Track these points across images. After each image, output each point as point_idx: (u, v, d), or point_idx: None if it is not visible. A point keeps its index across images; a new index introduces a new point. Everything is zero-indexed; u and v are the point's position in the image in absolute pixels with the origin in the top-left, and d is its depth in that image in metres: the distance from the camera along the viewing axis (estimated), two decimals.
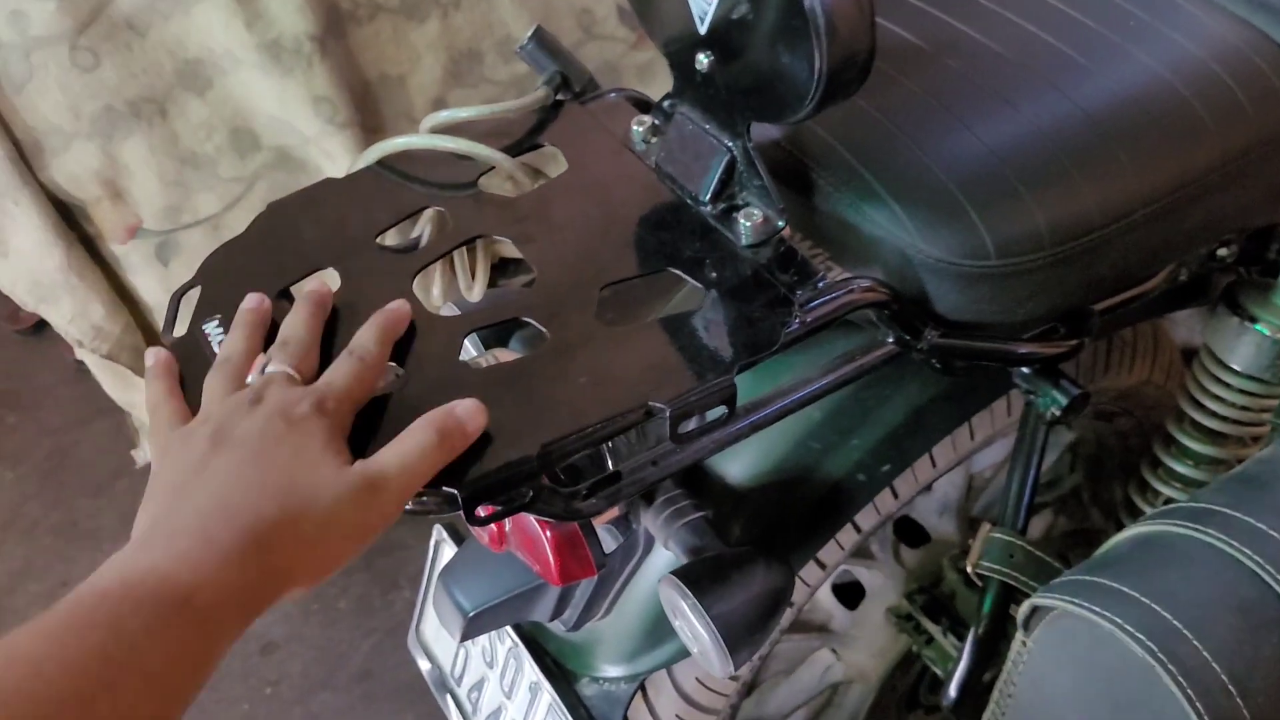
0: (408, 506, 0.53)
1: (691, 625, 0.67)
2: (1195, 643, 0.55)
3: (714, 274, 0.63)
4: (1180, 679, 0.54)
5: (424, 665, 0.97)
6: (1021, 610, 0.62)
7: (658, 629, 0.78)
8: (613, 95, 0.77)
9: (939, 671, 0.99)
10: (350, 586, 1.63)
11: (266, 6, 1.15)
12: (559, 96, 0.77)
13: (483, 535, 0.74)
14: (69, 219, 1.21)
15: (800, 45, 0.55)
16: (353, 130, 1.22)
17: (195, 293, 0.65)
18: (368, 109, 1.26)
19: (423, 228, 0.74)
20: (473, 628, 0.77)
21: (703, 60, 0.63)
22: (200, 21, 1.15)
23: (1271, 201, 0.79)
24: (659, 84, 1.22)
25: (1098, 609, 0.57)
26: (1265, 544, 0.59)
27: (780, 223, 0.64)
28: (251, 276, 0.64)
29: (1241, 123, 0.72)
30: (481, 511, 0.54)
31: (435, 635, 0.97)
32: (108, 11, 1.12)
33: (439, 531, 0.94)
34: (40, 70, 1.11)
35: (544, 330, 0.60)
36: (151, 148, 1.19)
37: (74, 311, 1.25)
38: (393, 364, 0.59)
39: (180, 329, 0.63)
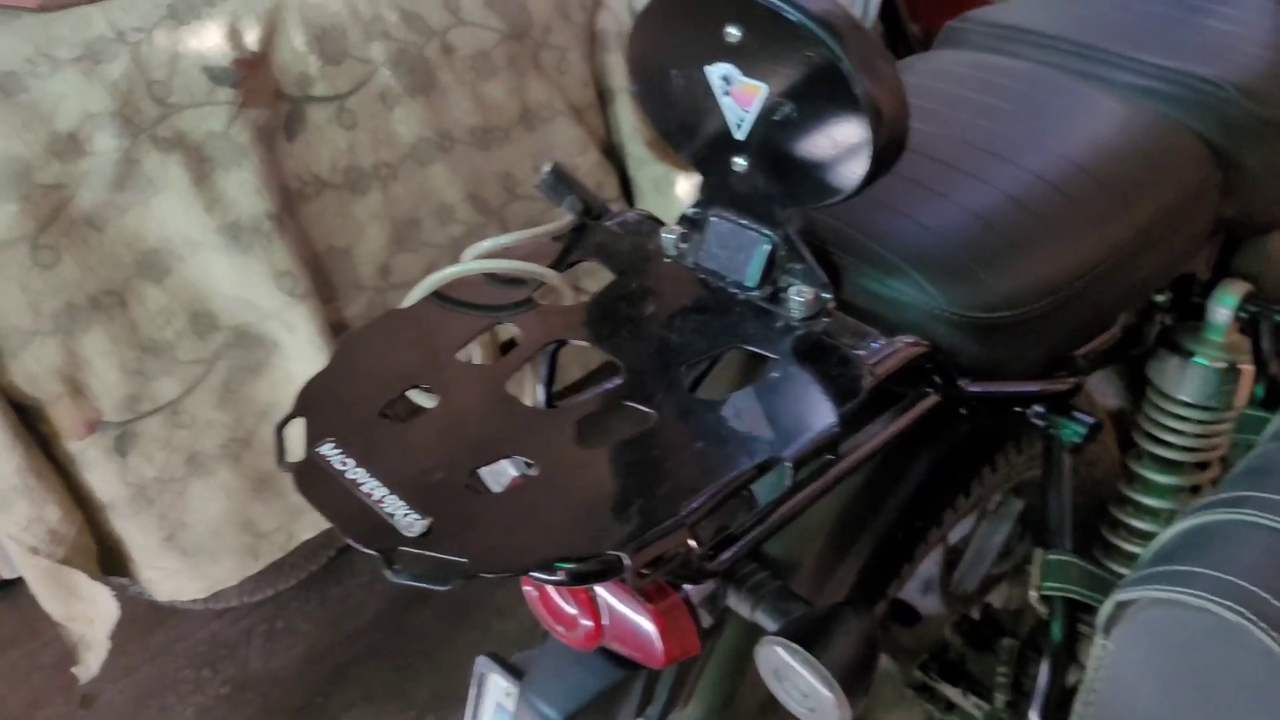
0: (559, 575, 0.56)
1: (802, 681, 0.70)
2: (1276, 602, 0.63)
3: (781, 345, 0.70)
4: (1274, 633, 0.61)
5: None
6: (1103, 611, 0.68)
7: (746, 704, 0.80)
8: (630, 214, 0.85)
9: None
10: None
11: (224, 191, 1.19)
12: (581, 221, 0.84)
13: (575, 634, 0.76)
14: (25, 420, 1.19)
15: (848, 134, 0.65)
16: (312, 301, 1.26)
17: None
18: (319, 280, 1.30)
19: (470, 352, 0.78)
20: None
21: (739, 163, 0.72)
22: (160, 212, 1.17)
23: (1190, 252, 0.92)
24: None
25: (1182, 589, 0.64)
26: None
27: (828, 295, 0.72)
28: (351, 398, 0.67)
29: (1153, 193, 0.85)
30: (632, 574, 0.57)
31: None
32: (68, 210, 1.13)
33: (483, 663, 0.94)
34: (0, 272, 1.11)
35: (647, 411, 0.65)
36: (112, 338, 1.18)
37: (29, 516, 1.20)
38: (523, 458, 0.63)
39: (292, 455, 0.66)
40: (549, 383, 0.78)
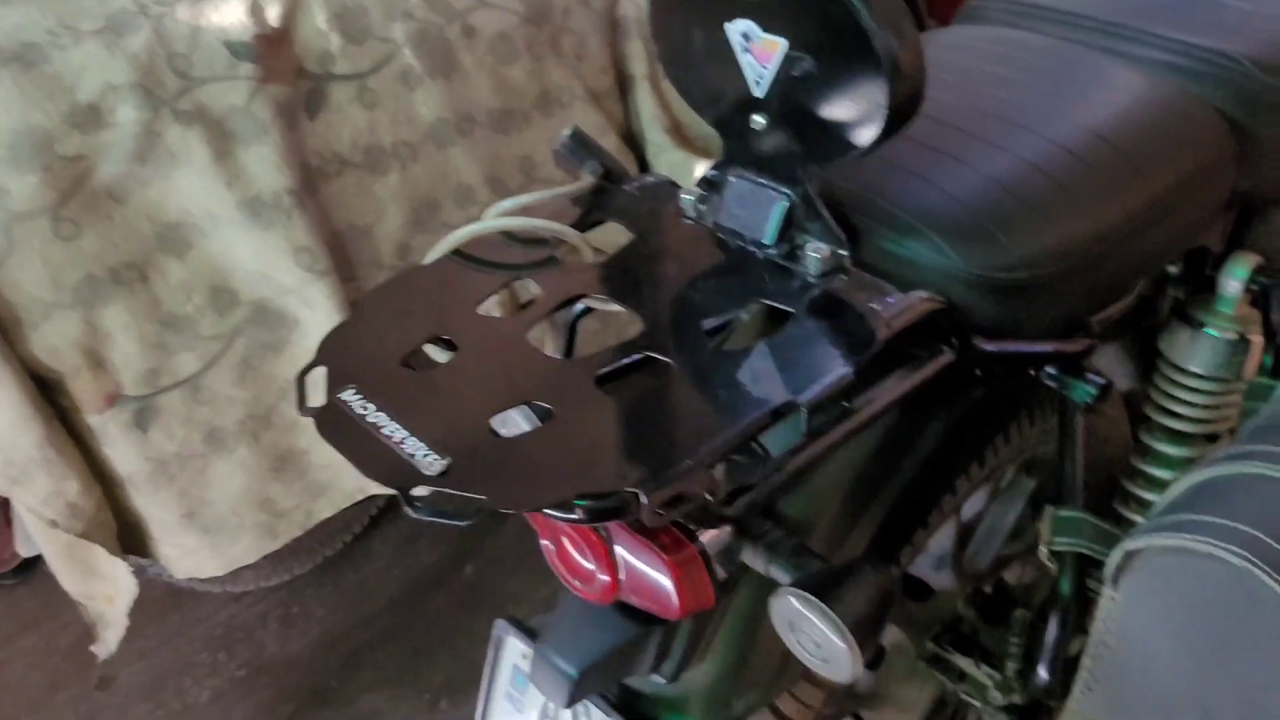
0: (576, 514, 0.57)
1: (816, 632, 0.71)
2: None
3: (799, 300, 0.71)
4: (1277, 576, 0.62)
5: None
6: (1111, 559, 0.69)
7: (760, 662, 0.81)
8: (650, 178, 0.85)
9: (977, 703, 1.04)
10: None
11: (244, 166, 1.21)
12: (602, 185, 0.85)
13: (593, 589, 0.76)
14: (45, 393, 1.20)
15: (867, 89, 0.65)
16: (331, 278, 1.27)
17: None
18: (339, 259, 1.31)
19: (490, 310, 0.79)
20: (580, 690, 0.78)
21: (758, 120, 0.73)
22: (181, 185, 1.19)
23: (1206, 223, 0.93)
24: None
25: (1190, 536, 0.65)
26: None
27: (844, 251, 0.72)
28: (372, 348, 0.68)
29: (1171, 163, 0.86)
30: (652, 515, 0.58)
31: None
32: (89, 182, 1.15)
33: (501, 626, 0.95)
34: (22, 244, 1.13)
35: (669, 361, 0.66)
36: (133, 312, 1.20)
37: (49, 490, 1.21)
38: (543, 403, 0.64)
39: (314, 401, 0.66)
40: (569, 340, 0.79)
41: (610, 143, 1.58)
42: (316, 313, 1.27)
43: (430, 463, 0.60)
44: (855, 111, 0.67)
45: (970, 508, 1.20)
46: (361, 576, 1.87)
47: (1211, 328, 0.97)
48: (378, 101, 1.33)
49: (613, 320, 0.84)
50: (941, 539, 1.19)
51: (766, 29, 0.69)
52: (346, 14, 1.30)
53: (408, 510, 0.59)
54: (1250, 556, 0.63)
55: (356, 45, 1.31)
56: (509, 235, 0.80)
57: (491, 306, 0.79)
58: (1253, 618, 0.64)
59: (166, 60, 1.17)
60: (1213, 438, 0.99)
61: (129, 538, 1.35)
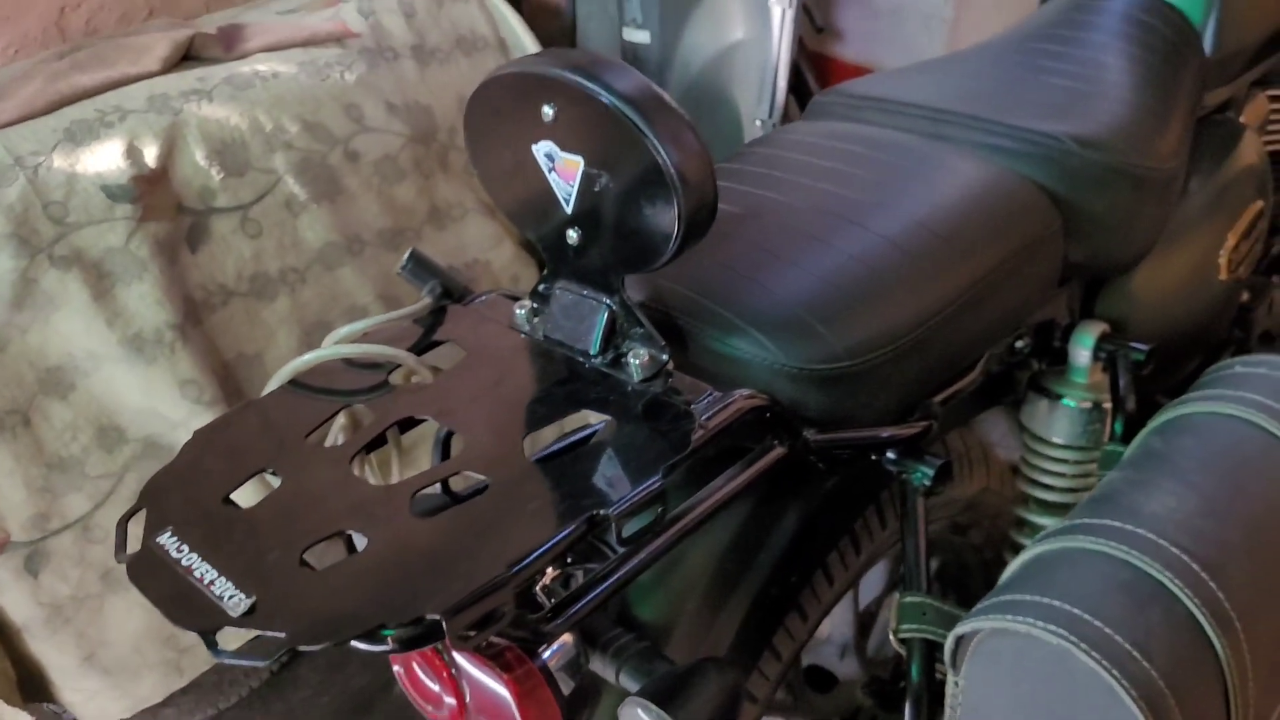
0: (385, 644, 0.57)
1: None
2: (1097, 623, 0.64)
3: (619, 408, 0.72)
4: (1094, 654, 0.62)
5: None
6: (947, 646, 0.69)
7: None
8: (488, 295, 0.87)
9: None
10: None
11: (125, 304, 1.22)
12: (442, 303, 0.86)
13: (442, 713, 0.76)
14: None
15: (659, 199, 0.68)
16: (219, 407, 1.27)
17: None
18: (229, 388, 1.32)
19: (335, 433, 0.80)
20: None
21: (573, 235, 0.75)
22: (61, 328, 1.20)
23: (1039, 297, 0.95)
24: None
25: (1010, 617, 0.65)
26: (1126, 538, 0.69)
27: (665, 356, 0.74)
28: (195, 489, 0.69)
29: (993, 244, 0.88)
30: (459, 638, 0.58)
31: None
32: None
33: None
34: None
35: (485, 478, 0.67)
36: (16, 458, 1.19)
37: None
38: (357, 531, 0.64)
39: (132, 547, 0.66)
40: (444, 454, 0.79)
41: (508, 251, 1.61)
42: None
43: (236, 603, 0.60)
44: (653, 223, 0.69)
45: (869, 593, 1.20)
46: (289, 705, 1.83)
47: (1068, 398, 0.99)
48: (262, 230, 1.35)
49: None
50: (841, 627, 1.19)
51: (565, 149, 0.71)
52: (226, 149, 1.32)
53: (211, 653, 0.59)
54: (1068, 635, 0.63)
55: (237, 178, 1.33)
56: (350, 361, 0.81)
57: (337, 434, 0.79)
58: (1076, 696, 0.64)
59: (42, 209, 1.19)
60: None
61: (30, 685, 1.33)
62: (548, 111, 0.71)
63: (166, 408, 1.25)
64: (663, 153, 0.66)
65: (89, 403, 1.23)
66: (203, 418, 1.26)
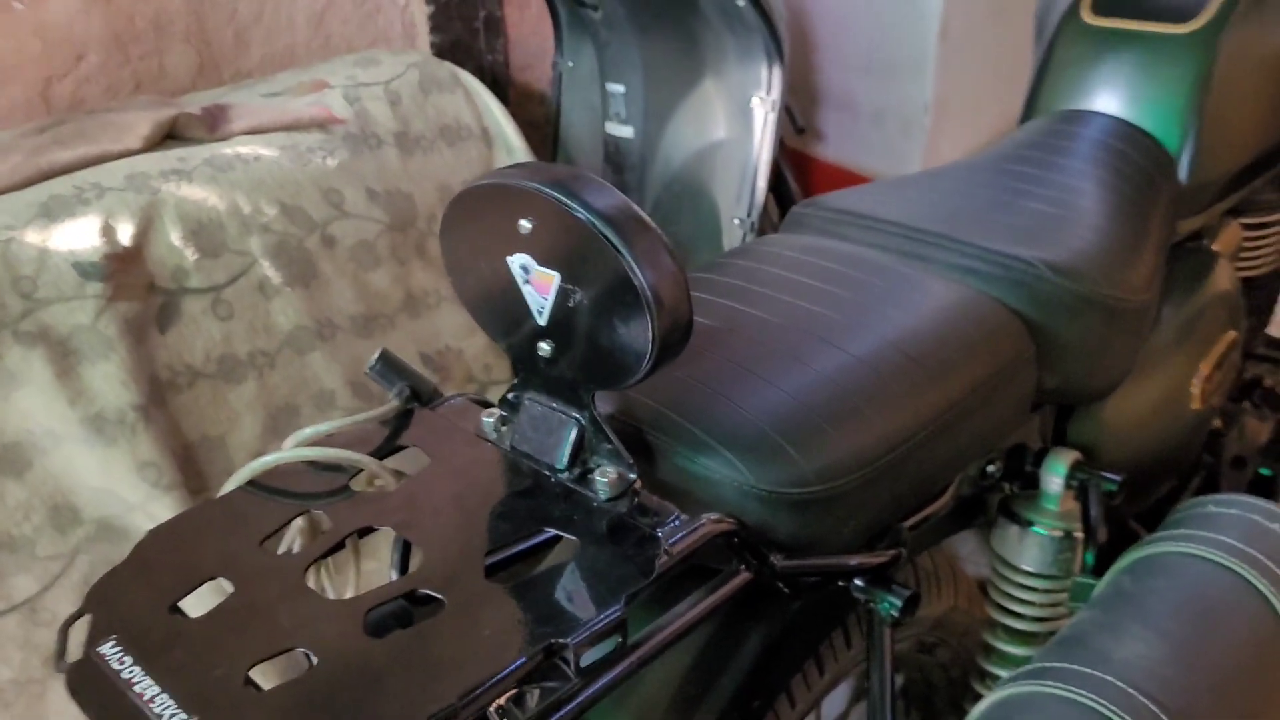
0: None
1: None
2: None
3: (583, 527, 0.70)
4: None
5: None
6: None
7: None
8: (457, 399, 0.86)
9: None
10: None
11: (88, 383, 1.20)
12: (409, 406, 0.85)
13: None
14: None
15: (633, 319, 0.67)
16: (179, 492, 1.25)
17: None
18: (190, 471, 1.29)
19: (292, 538, 0.78)
20: None
21: (544, 348, 0.74)
22: (21, 405, 1.17)
23: (1012, 422, 0.95)
24: None
25: None
26: (1095, 685, 0.68)
27: (632, 475, 0.73)
28: (142, 594, 0.66)
29: (965, 368, 0.88)
30: None
31: None
32: None
33: None
34: None
35: (441, 598, 0.65)
36: None
37: None
38: (305, 650, 0.62)
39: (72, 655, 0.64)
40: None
41: (480, 340, 1.60)
42: None
43: None
44: (626, 341, 0.68)
45: (832, 709, 1.18)
46: None
47: (1039, 525, 0.98)
48: (233, 312, 1.34)
49: None
50: None
51: (541, 263, 0.71)
52: (202, 230, 1.32)
53: None
54: None
55: (212, 259, 1.32)
56: (312, 463, 0.80)
57: (294, 539, 0.77)
58: None
59: (11, 284, 1.18)
60: (1048, 636, 0.99)
61: None
62: (525, 225, 0.71)
63: (124, 489, 1.22)
64: (639, 273, 0.65)
65: (44, 481, 1.21)
66: (161, 501, 1.23)
